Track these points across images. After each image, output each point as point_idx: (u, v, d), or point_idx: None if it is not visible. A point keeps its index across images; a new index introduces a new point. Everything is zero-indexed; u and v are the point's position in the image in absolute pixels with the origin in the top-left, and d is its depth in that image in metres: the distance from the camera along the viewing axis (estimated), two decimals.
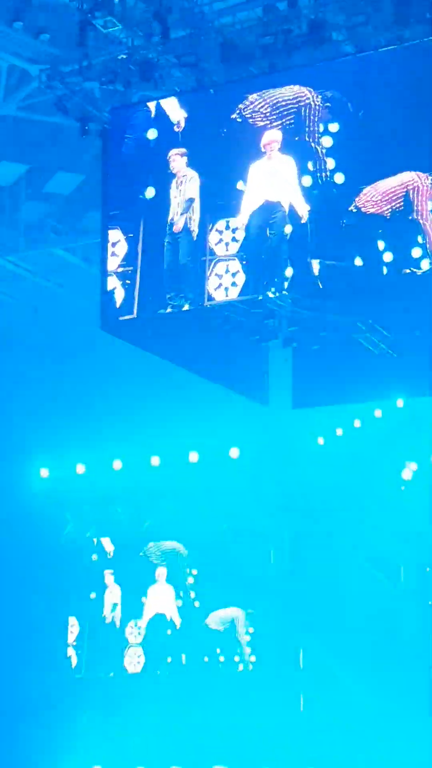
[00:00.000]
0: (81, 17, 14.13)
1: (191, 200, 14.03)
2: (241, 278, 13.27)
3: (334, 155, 13.17)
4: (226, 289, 13.27)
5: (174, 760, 22.41)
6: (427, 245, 12.28)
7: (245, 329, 15.92)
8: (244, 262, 13.24)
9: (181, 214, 13.93)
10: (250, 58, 14.04)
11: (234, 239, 13.31)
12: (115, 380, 21.62)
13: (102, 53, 14.63)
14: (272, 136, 13.69)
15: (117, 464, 24.03)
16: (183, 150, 14.35)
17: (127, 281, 14.09)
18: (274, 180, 13.59)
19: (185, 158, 14.29)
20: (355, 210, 12.83)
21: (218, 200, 13.88)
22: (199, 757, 22.24)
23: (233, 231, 13.35)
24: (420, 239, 12.71)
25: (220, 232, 13.47)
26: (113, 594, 23.74)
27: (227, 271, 13.18)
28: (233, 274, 13.10)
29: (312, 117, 13.31)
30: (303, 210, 13.38)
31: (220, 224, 13.51)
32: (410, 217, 12.59)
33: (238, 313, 15.11)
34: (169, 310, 13.83)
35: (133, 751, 22.88)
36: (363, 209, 12.73)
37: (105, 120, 15.18)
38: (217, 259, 13.35)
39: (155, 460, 23.78)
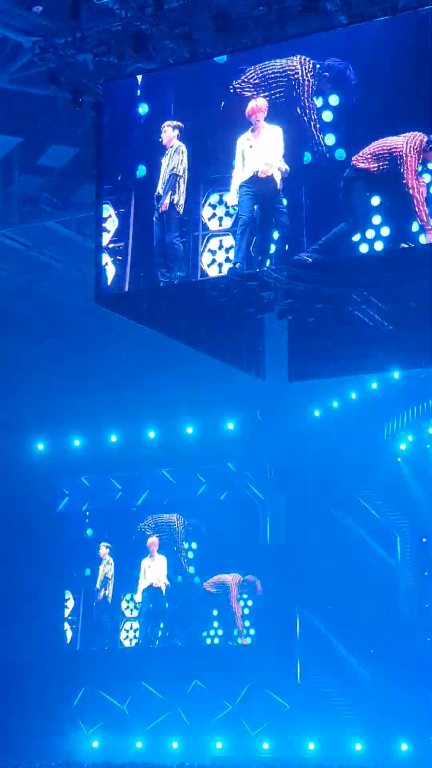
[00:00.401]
0: None
1: (176, 176, 13.93)
2: (233, 254, 13.19)
3: (333, 129, 13.07)
4: (220, 264, 13.18)
5: (173, 733, 22.57)
6: (417, 214, 12.20)
7: (240, 302, 15.86)
8: (237, 238, 13.09)
9: (166, 191, 13.81)
10: (243, 29, 13.87)
11: (228, 213, 13.19)
12: (111, 354, 21.63)
13: (95, 25, 14.46)
14: (257, 105, 13.58)
15: (113, 438, 24.08)
16: (177, 123, 14.26)
17: (119, 257, 13.95)
18: (261, 151, 13.49)
19: (177, 131, 14.20)
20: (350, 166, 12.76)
21: (212, 173, 13.76)
22: (198, 730, 22.39)
23: (227, 205, 13.23)
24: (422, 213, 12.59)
25: (213, 207, 13.33)
26: (107, 568, 23.80)
27: (221, 246, 13.08)
28: (227, 250, 12.98)
29: (305, 89, 13.21)
30: (294, 182, 13.32)
31: (213, 198, 13.40)
32: (404, 190, 12.49)
33: (233, 286, 15.06)
34: (161, 285, 13.68)
35: (132, 725, 23.04)
36: (354, 163, 12.65)
37: (99, 92, 15.06)
38: (211, 233, 13.22)
39: (152, 434, 23.84)
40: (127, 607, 23.33)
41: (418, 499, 22.25)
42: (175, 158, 14.04)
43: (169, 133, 14.23)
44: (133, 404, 22.84)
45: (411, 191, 12.16)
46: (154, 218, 13.86)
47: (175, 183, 13.87)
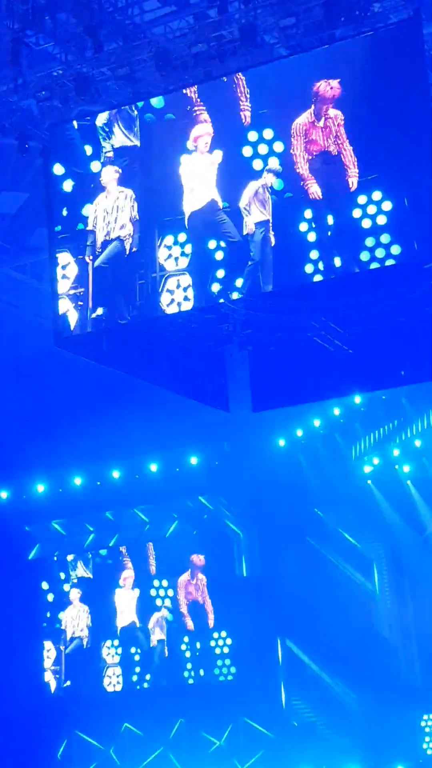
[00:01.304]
0: (12, 36, 14.07)
1: (137, 220, 14.07)
2: (191, 292, 13.37)
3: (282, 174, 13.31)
4: (179, 303, 13.39)
5: None
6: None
7: (200, 336, 15.90)
8: (194, 276, 13.32)
9: (117, 233, 13.97)
10: (184, 66, 14.00)
11: (183, 254, 13.39)
12: (72, 396, 21.53)
13: (37, 70, 14.56)
14: (201, 131, 13.71)
15: (77, 481, 23.96)
16: (117, 168, 14.35)
17: (80, 302, 14.10)
18: (210, 176, 13.62)
19: (117, 175, 14.31)
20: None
21: (164, 216, 13.87)
22: None
23: (181, 245, 13.41)
24: (368, 242, 12.70)
25: (169, 248, 13.52)
26: (80, 613, 23.58)
27: (178, 286, 13.31)
28: (184, 289, 13.22)
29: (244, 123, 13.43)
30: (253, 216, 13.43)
31: (168, 240, 13.56)
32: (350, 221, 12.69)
33: (192, 321, 15.10)
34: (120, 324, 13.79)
35: None
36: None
37: (44, 137, 15.12)
38: (168, 274, 13.43)
39: (116, 474, 23.74)
40: (108, 653, 23.11)
41: (391, 521, 22.29)
42: (126, 205, 14.12)
43: (111, 174, 14.34)
44: (95, 445, 22.76)
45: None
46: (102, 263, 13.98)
47: (127, 226, 13.98)
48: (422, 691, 21.60)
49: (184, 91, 13.81)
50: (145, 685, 22.66)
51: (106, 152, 14.39)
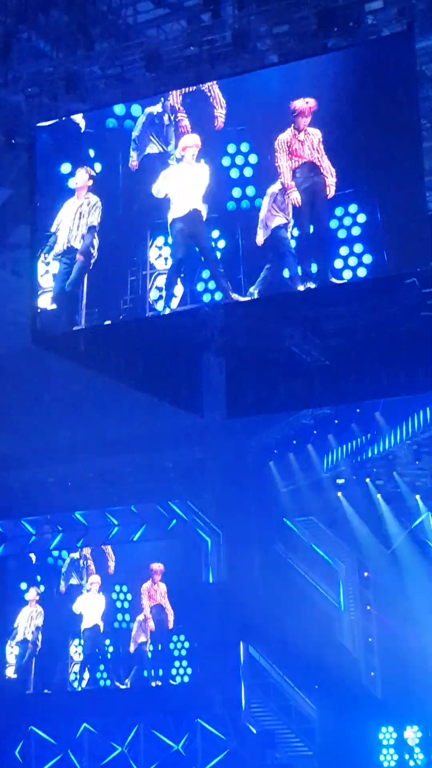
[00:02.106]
0: (4, 30, 14.05)
1: (94, 228, 14.23)
2: (179, 290, 13.67)
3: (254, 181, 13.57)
4: (166, 299, 13.69)
5: None
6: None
7: (178, 341, 15.92)
8: (182, 275, 13.61)
9: (83, 239, 14.16)
10: (174, 69, 14.01)
11: (172, 254, 13.74)
12: (47, 395, 21.47)
13: (27, 66, 14.53)
14: (190, 141, 13.80)
15: (52, 479, 23.89)
16: (89, 170, 14.44)
17: (76, 295, 14.35)
18: (195, 186, 13.73)
19: (91, 180, 14.41)
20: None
21: (156, 219, 14.01)
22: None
23: (171, 246, 13.73)
24: (342, 251, 12.85)
25: (159, 248, 13.85)
26: (32, 614, 23.51)
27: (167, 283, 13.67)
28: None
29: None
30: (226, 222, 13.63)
31: (159, 240, 13.89)
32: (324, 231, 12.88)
33: (170, 326, 15.12)
34: (108, 323, 13.92)
35: None
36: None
37: (32, 133, 15.08)
38: (158, 272, 13.80)
39: (91, 474, 23.67)
40: (75, 651, 23.05)
41: (359, 534, 22.34)
42: (94, 213, 14.21)
43: (83, 178, 14.40)
44: (69, 445, 22.72)
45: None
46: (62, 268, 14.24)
47: (93, 234, 14.15)
48: (382, 703, 21.66)
49: (169, 98, 13.85)
50: (108, 682, 22.58)
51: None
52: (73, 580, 23.35)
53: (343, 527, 22.43)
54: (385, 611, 22.03)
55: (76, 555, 23.48)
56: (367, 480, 22.19)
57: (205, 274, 13.68)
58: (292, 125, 13.10)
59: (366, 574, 22.68)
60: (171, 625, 22.30)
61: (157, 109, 14.03)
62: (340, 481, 22.26)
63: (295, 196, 13.13)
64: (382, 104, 12.74)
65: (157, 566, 22.73)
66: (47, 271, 14.54)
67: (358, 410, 21.21)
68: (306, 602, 22.19)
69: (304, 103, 13.00)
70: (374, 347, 16.06)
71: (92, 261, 14.20)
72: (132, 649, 22.42)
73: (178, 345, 16.18)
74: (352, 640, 22.58)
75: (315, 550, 22.61)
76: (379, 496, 22.21)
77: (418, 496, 21.92)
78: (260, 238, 13.29)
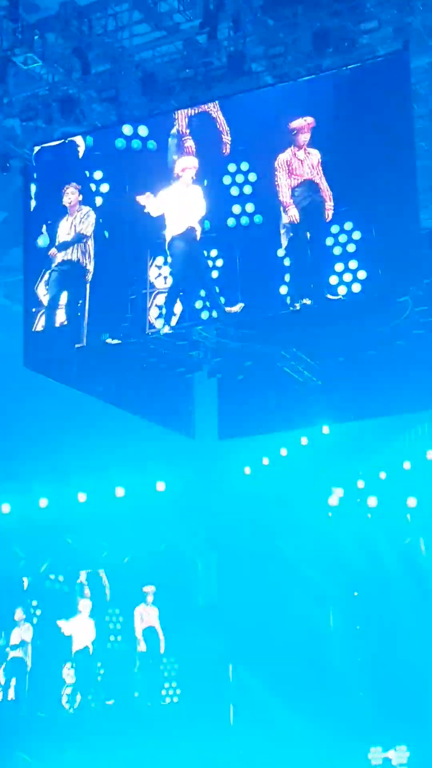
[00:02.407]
0: (1, 54, 14.14)
1: (86, 237, 14.35)
2: (179, 308, 13.84)
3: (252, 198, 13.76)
4: (166, 318, 13.87)
5: None
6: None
7: (170, 362, 16.00)
8: (181, 293, 13.75)
9: (75, 250, 14.33)
10: (170, 91, 14.13)
11: (171, 273, 13.95)
12: (39, 418, 21.47)
13: (22, 90, 14.63)
14: (188, 163, 13.95)
15: (43, 502, 23.84)
16: (76, 187, 14.58)
17: (78, 314, 14.38)
18: (192, 206, 13.89)
19: (80, 195, 14.56)
20: None
21: (156, 239, 14.13)
22: None
23: (171, 266, 13.94)
24: (337, 267, 13.01)
25: (159, 267, 14.04)
26: (24, 632, 23.46)
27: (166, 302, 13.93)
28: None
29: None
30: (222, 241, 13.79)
31: (159, 260, 14.09)
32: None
33: (163, 346, 15.20)
34: (109, 341, 14.03)
35: None
36: None
37: (26, 157, 15.16)
38: (157, 291, 13.96)
39: (82, 497, 23.64)
40: (68, 674, 22.98)
41: (350, 554, 22.33)
42: (87, 222, 14.34)
43: (74, 195, 14.52)
44: (62, 468, 22.70)
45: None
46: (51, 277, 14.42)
47: (86, 244, 14.26)
48: (370, 723, 21.62)
49: (175, 119, 14.00)
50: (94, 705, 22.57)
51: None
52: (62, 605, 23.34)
53: (335, 548, 22.41)
54: (375, 633, 22.02)
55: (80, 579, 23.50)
56: (359, 500, 22.21)
57: (203, 292, 13.78)
58: (292, 145, 13.31)
59: (356, 593, 22.67)
60: (162, 650, 22.31)
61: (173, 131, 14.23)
62: (333, 501, 22.27)
63: (293, 213, 13.29)
64: (378, 123, 12.93)
65: (149, 588, 22.72)
66: (47, 293, 14.57)
67: (350, 429, 21.23)
68: (296, 623, 22.13)
69: (303, 122, 13.26)
70: (366, 366, 16.17)
71: (90, 270, 14.26)
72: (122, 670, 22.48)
73: (170, 366, 16.26)
74: (341, 661, 22.54)
75: (306, 572, 22.58)
76: (369, 515, 22.23)
77: (408, 515, 21.93)
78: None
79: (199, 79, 13.88)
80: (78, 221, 14.58)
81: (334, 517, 22.34)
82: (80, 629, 22.89)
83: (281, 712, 21.90)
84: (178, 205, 13.98)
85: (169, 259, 13.94)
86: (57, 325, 14.50)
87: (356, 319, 14.87)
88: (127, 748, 21.98)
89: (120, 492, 23.33)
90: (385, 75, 12.86)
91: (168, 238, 14.00)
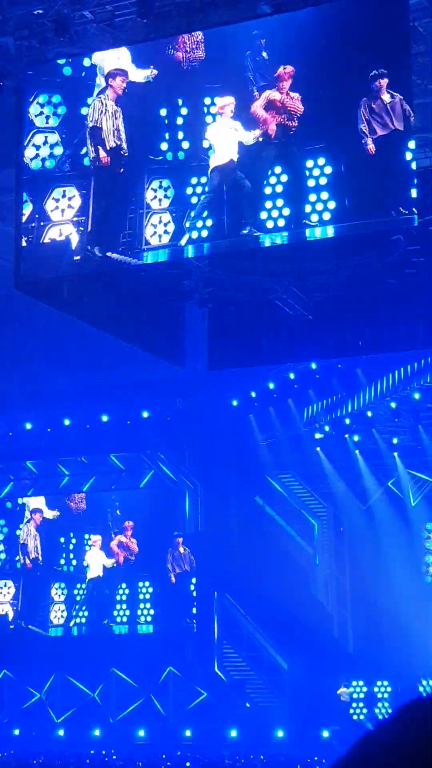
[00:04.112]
0: None
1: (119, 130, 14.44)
2: (171, 227, 14.08)
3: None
4: (160, 236, 14.11)
5: (94, 722, 22.47)
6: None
7: (162, 290, 15.87)
8: (173, 215, 14.05)
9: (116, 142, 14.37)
10: (166, 16, 13.82)
11: (166, 196, 14.19)
12: (27, 341, 21.40)
13: (17, 8, 14.31)
14: (227, 101, 13.88)
15: (28, 426, 23.88)
16: (123, 78, 14.46)
17: (81, 228, 14.53)
18: (231, 139, 13.96)
19: (124, 84, 14.50)
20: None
21: (151, 164, 14.24)
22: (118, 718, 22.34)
23: (165, 189, 14.18)
24: (311, 197, 13.10)
25: (155, 191, 14.26)
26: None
27: (160, 221, 14.18)
28: (165, 224, 14.12)
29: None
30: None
31: (155, 184, 14.28)
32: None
33: (155, 274, 15.08)
34: (110, 254, 14.26)
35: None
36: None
37: (19, 76, 14.89)
38: (153, 212, 14.25)
39: (67, 422, 23.67)
40: (56, 593, 23.38)
41: (336, 489, 22.40)
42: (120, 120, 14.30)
43: (120, 84, 14.42)
44: (49, 392, 22.68)
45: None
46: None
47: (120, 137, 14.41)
48: (352, 657, 21.80)
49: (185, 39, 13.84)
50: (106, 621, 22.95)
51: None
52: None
53: (320, 481, 22.48)
54: (358, 566, 22.12)
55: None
56: (346, 436, 22.22)
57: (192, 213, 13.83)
58: (276, 88, 13.39)
59: (342, 528, 22.75)
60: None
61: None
62: (319, 435, 22.27)
63: (272, 128, 13.43)
64: (374, 57, 12.74)
65: (128, 523, 23.02)
66: (70, 206, 14.55)
67: (339, 366, 21.21)
68: (281, 554, 22.26)
69: (283, 70, 13.39)
70: (358, 303, 16.05)
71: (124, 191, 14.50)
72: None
73: (161, 295, 16.14)
74: (325, 593, 22.68)
75: (291, 503, 22.66)
76: (357, 451, 22.25)
77: (395, 454, 21.95)
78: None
79: (195, 4, 13.56)
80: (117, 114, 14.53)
81: (322, 452, 22.38)
82: (92, 560, 23.19)
83: (264, 644, 22.10)
84: (220, 138, 14.02)
85: (165, 183, 14.15)
86: (60, 238, 14.41)
87: (347, 256, 14.79)
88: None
89: (105, 418, 23.37)
90: (384, 8, 12.65)
91: (210, 167, 14.04)
